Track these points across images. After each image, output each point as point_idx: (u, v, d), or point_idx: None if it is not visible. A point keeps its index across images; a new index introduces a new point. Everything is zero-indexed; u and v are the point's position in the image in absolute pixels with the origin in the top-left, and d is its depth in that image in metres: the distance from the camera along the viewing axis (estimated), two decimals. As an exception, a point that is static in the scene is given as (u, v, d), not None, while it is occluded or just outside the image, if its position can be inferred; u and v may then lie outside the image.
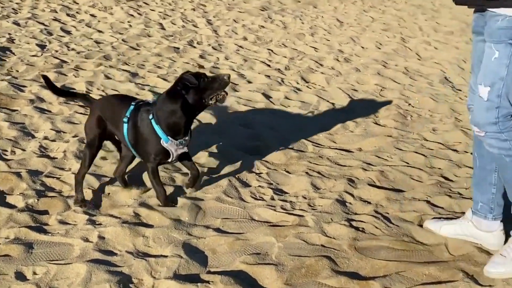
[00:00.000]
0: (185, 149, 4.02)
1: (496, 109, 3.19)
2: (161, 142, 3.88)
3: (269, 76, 6.58)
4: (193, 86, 3.83)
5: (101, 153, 4.36)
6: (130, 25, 8.31)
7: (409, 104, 6.01)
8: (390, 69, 7.00)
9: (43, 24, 8.06)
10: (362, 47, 7.82)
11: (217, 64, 6.92)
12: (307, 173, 4.57)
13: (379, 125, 5.54)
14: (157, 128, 3.88)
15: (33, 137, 4.86)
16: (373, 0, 10.46)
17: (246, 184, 4.38)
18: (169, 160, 3.99)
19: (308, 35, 8.28)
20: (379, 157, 4.91)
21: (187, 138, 3.97)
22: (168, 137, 3.88)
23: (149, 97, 5.72)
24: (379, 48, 7.79)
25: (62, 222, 3.77)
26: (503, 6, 3.05)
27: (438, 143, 5.18)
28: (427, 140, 5.23)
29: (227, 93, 3.98)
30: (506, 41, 3.08)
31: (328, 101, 5.99)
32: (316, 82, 6.53)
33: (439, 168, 4.76)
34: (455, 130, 5.39)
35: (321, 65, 7.06)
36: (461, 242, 3.71)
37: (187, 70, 4.33)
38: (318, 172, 4.60)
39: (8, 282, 3.19)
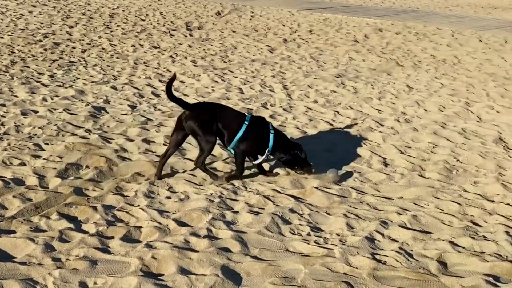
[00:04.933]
0: None
1: None
2: None
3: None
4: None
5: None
6: (213, 90, 9.18)
7: (457, 160, 6.36)
8: (448, 129, 7.38)
9: (137, 88, 9.07)
10: (425, 110, 8.24)
11: (284, 123, 7.58)
12: (345, 215, 5.05)
13: (424, 177, 5.94)
14: None
15: (113, 178, 5.66)
16: (446, 68, 10.85)
17: (287, 222, 4.92)
18: None
19: (375, 99, 8.80)
20: (416, 204, 5.32)
21: None
22: None
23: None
24: (442, 111, 8.18)
25: (123, 245, 4.46)
26: None
27: (477, 194, 5.52)
28: (466, 191, 5.58)
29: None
30: None
31: (380, 156, 6.46)
32: (373, 140, 7.01)
33: (471, 215, 5.10)
34: (496, 183, 5.70)
35: (382, 125, 7.55)
36: (471, 273, 4.06)
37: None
38: (356, 215, 5.07)
39: None
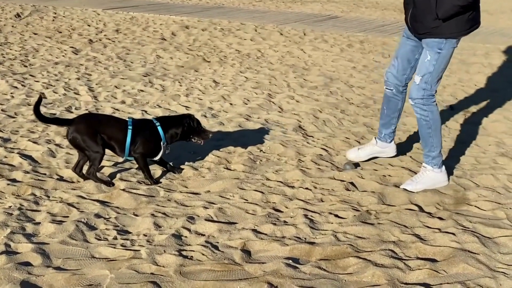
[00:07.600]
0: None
1: (423, 90, 5.21)
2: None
3: (137, 134, 7.07)
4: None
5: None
6: (12, 96, 8.68)
7: (261, 150, 6.61)
8: (252, 121, 7.64)
9: None
10: (231, 104, 8.45)
11: (90, 126, 7.36)
12: (152, 214, 5.04)
13: (230, 169, 6.09)
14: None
15: None
16: (250, 62, 11.22)
17: (93, 228, 4.80)
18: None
19: (183, 96, 8.86)
20: (222, 196, 5.44)
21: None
22: None
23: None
24: (246, 104, 8.44)
25: None
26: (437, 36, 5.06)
27: (278, 181, 5.77)
28: (269, 180, 5.81)
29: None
30: (436, 50, 5.07)
31: (188, 152, 6.52)
32: (180, 136, 7.05)
33: (273, 202, 5.33)
34: (295, 170, 6.00)
35: (189, 121, 7.61)
36: (273, 258, 4.25)
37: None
38: (164, 213, 5.07)
39: None
